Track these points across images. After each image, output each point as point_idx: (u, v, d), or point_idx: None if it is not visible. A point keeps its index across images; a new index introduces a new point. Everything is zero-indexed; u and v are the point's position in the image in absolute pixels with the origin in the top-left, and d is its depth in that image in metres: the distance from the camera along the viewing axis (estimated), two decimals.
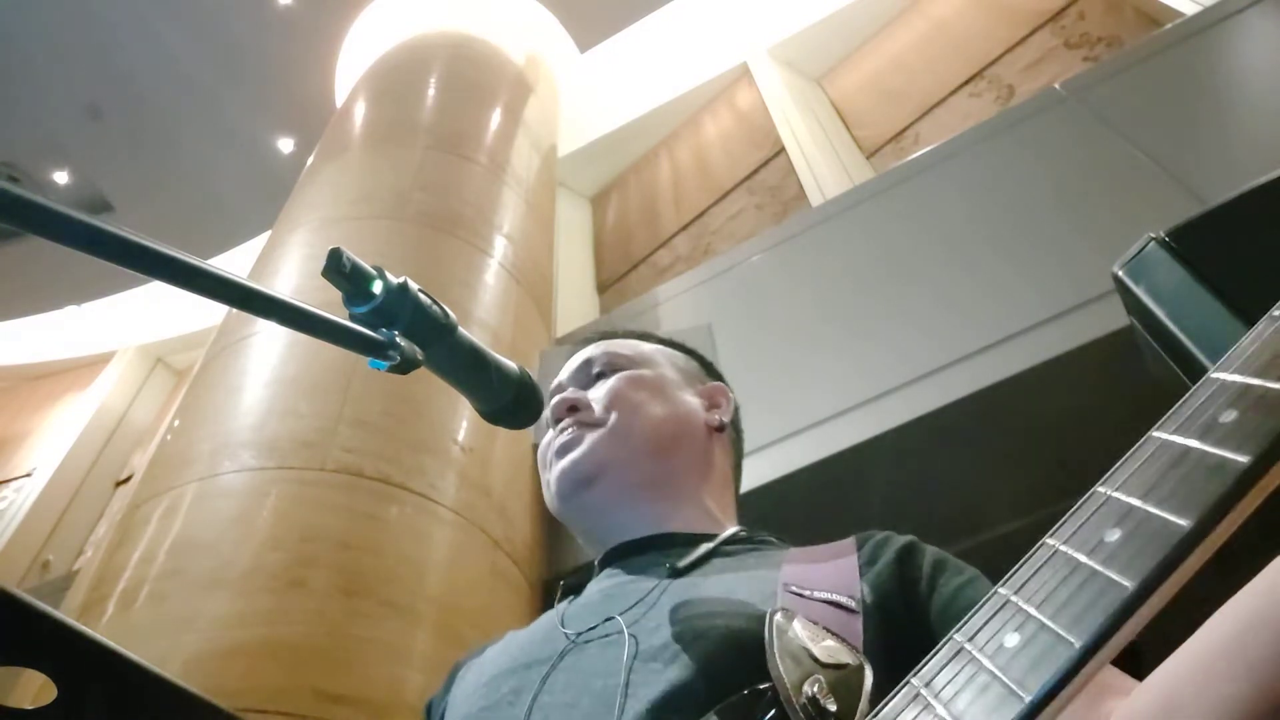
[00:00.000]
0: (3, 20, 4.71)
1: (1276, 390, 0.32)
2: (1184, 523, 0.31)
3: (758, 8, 4.82)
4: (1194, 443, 0.33)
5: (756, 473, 2.14)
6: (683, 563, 0.69)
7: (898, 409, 2.10)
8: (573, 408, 0.82)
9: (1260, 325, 0.36)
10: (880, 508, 2.12)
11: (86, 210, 0.43)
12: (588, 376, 0.87)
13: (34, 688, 1.48)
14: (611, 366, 0.87)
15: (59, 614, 0.52)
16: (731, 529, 0.78)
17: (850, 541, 0.69)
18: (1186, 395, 0.36)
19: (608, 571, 0.77)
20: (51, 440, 5.42)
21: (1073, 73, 3.03)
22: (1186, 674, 0.35)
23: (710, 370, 0.97)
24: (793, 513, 2.09)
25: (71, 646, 0.53)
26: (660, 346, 0.94)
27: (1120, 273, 0.80)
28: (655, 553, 0.75)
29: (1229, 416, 0.33)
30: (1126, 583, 0.31)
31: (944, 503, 2.11)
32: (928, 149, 2.95)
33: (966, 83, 3.78)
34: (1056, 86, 2.68)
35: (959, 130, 2.92)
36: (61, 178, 5.49)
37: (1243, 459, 0.31)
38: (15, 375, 6.22)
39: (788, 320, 2.56)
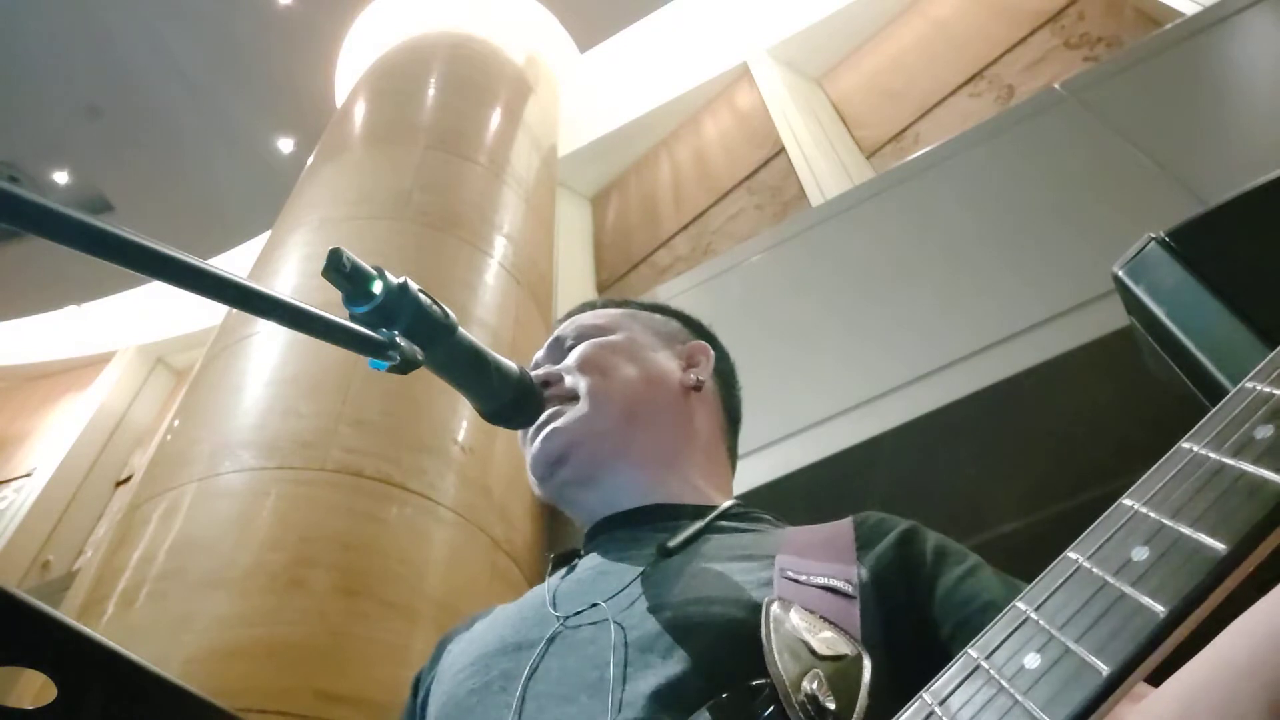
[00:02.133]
0: (3, 20, 4.71)
1: None
2: (1220, 546, 0.29)
3: (758, 8, 4.82)
4: (1229, 460, 0.32)
5: (756, 473, 2.14)
6: (673, 542, 0.67)
7: (898, 409, 2.10)
8: (545, 383, 0.80)
9: None
10: (880, 508, 2.11)
11: (86, 210, 0.43)
12: (560, 351, 0.86)
13: (34, 688, 1.48)
14: (581, 337, 0.85)
15: (59, 614, 0.52)
16: (725, 503, 0.76)
17: (848, 522, 0.67)
18: (1219, 405, 0.34)
19: (598, 546, 0.75)
20: (51, 440, 5.42)
21: (1073, 73, 3.03)
22: (1205, 690, 0.34)
23: (695, 329, 0.94)
24: (793, 513, 2.09)
25: (71, 646, 0.53)
26: (637, 311, 0.92)
27: (1120, 273, 0.80)
28: (645, 527, 0.73)
29: (1265, 433, 0.31)
30: (1158, 607, 0.29)
31: (944, 503, 2.11)
32: (928, 149, 2.95)
33: (966, 83, 3.78)
34: (1056, 86, 2.68)
35: (959, 130, 2.92)
36: (61, 178, 5.49)
37: None
38: (15, 375, 6.22)
39: (788, 320, 2.56)
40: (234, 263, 5.16)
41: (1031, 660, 0.31)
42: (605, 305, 0.92)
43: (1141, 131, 2.33)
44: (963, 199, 2.56)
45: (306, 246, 2.76)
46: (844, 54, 4.59)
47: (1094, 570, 0.32)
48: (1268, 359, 0.34)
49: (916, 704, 0.34)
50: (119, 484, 5.18)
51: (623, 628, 0.59)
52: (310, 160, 3.62)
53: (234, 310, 0.90)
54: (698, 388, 0.84)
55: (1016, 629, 0.33)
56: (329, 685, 1.62)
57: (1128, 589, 0.30)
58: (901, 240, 2.57)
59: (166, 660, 1.58)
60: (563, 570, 0.74)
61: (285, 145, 5.40)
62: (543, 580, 0.75)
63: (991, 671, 0.32)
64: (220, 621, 1.66)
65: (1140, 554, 0.31)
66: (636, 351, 0.84)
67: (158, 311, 5.88)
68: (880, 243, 2.62)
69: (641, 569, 0.66)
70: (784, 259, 2.81)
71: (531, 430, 0.80)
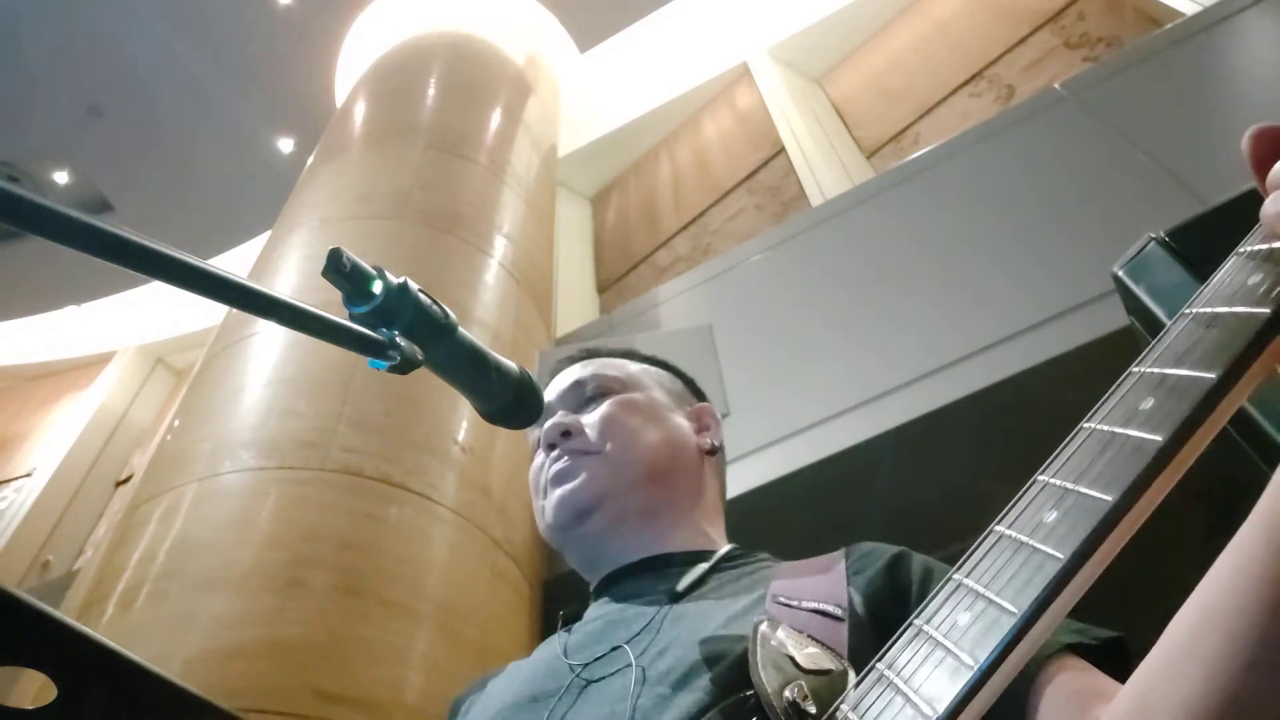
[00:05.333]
0: (3, 20, 4.71)
1: (1187, 377, 0.36)
2: (1109, 498, 0.34)
3: (758, 8, 4.82)
4: (1118, 429, 0.37)
5: (756, 473, 2.14)
6: (681, 586, 0.70)
7: (898, 409, 2.10)
8: (566, 433, 0.81)
9: (1174, 321, 0.40)
10: (880, 508, 2.12)
11: (86, 210, 0.43)
12: (579, 399, 0.87)
13: (34, 688, 1.48)
14: (602, 389, 0.86)
15: (59, 614, 0.52)
16: (725, 548, 0.79)
17: (839, 553, 0.70)
18: (1110, 391, 0.39)
19: (606, 598, 0.76)
20: (51, 440, 5.42)
21: (1073, 73, 3.03)
22: (1154, 674, 0.36)
23: (696, 391, 0.97)
24: (793, 513, 2.09)
25: (72, 646, 0.53)
26: (647, 366, 0.94)
27: (1120, 273, 0.80)
28: (653, 576, 0.75)
29: (1147, 404, 0.37)
30: (1059, 555, 0.34)
31: (944, 503, 2.11)
32: (928, 149, 2.96)
33: (966, 83, 3.78)
34: (1056, 86, 2.68)
35: (959, 130, 2.92)
36: (61, 178, 5.49)
37: (1158, 438, 0.35)
38: (15, 375, 6.23)
39: (788, 320, 2.56)
40: (234, 263, 5.16)
41: (963, 617, 0.36)
42: (610, 354, 0.94)
43: (1141, 131, 2.33)
44: (963, 199, 2.57)
45: (306, 246, 2.76)
46: (844, 54, 4.59)
47: (1014, 535, 0.37)
48: (1149, 346, 0.40)
49: (870, 673, 0.39)
50: (119, 484, 5.18)
51: (643, 669, 0.60)
52: (310, 160, 3.62)
53: (234, 310, 0.90)
54: (713, 452, 0.87)
55: (951, 594, 0.38)
56: (329, 685, 1.62)
57: (1038, 544, 0.35)
58: (901, 240, 2.57)
59: (166, 660, 1.58)
60: (572, 624, 0.75)
61: (285, 145, 5.40)
62: (552, 602, 0.77)
63: (929, 631, 0.37)
64: (220, 621, 1.66)
65: (1050, 516, 0.36)
66: (657, 412, 0.86)
67: (158, 311, 5.88)
68: (880, 243, 2.62)
69: (654, 612, 0.67)
70: (784, 259, 2.81)
71: (549, 477, 0.81)
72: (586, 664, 0.65)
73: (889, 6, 4.47)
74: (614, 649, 0.65)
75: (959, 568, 0.38)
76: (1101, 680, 0.49)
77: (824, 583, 0.64)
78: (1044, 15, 3.69)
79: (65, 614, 0.55)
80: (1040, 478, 0.39)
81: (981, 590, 0.36)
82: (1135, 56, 2.63)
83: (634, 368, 0.92)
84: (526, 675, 0.70)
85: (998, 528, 0.38)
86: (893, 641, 0.39)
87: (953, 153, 2.74)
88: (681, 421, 0.88)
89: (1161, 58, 2.55)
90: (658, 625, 0.65)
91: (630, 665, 0.61)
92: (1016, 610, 0.34)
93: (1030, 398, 2.00)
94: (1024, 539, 0.36)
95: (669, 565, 0.76)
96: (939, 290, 2.31)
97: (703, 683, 0.56)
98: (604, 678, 0.62)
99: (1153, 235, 0.78)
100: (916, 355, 2.16)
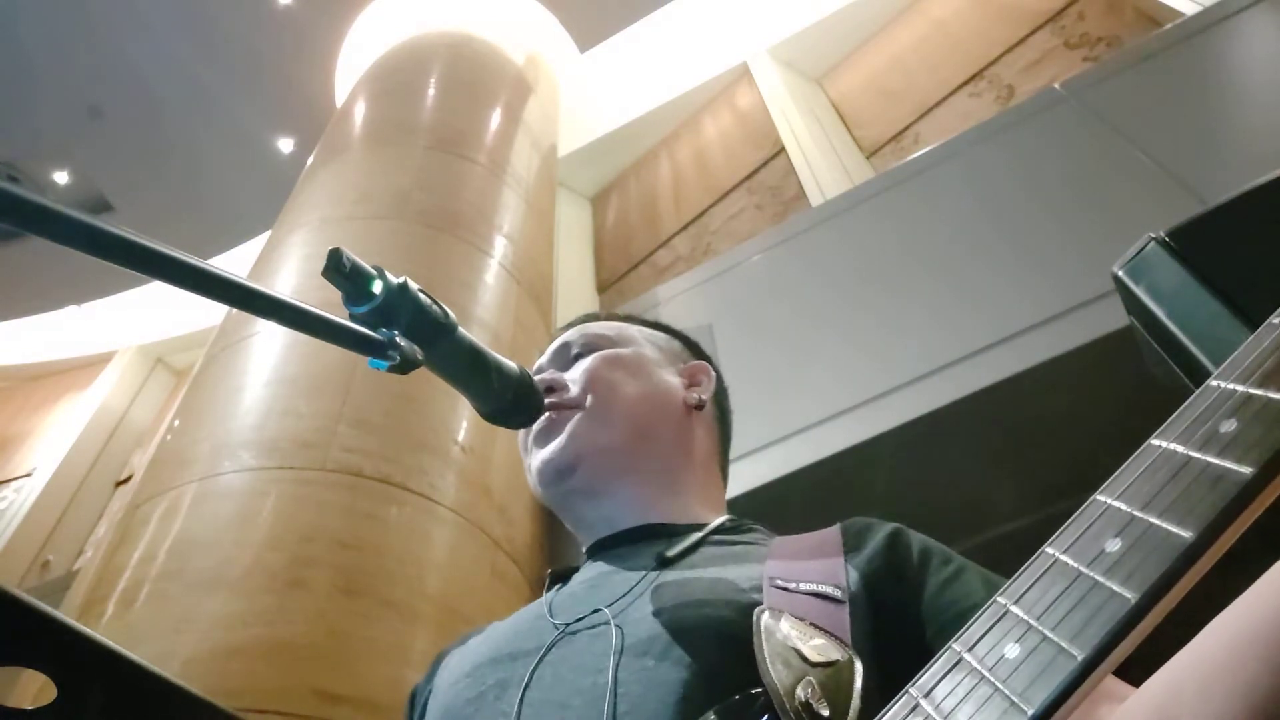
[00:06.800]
0: (3, 20, 4.70)
1: (1278, 401, 0.32)
2: (1187, 534, 0.30)
3: (758, 8, 4.82)
4: (1195, 453, 0.33)
5: (756, 473, 2.14)
6: (671, 552, 0.68)
7: (897, 409, 2.09)
8: (549, 389, 0.80)
9: (1260, 333, 0.35)
10: (880, 508, 2.11)
11: (86, 210, 0.43)
12: (566, 358, 0.86)
13: (34, 688, 1.48)
14: (589, 347, 0.85)
15: (59, 614, 0.52)
16: (719, 519, 0.77)
17: (835, 529, 0.68)
18: (1186, 403, 0.35)
19: (595, 562, 0.76)
20: (51, 440, 5.42)
21: (1073, 73, 3.03)
22: (1182, 690, 0.35)
23: (695, 350, 0.95)
24: (792, 513, 2.09)
25: (71, 646, 0.53)
26: (642, 327, 0.93)
27: (1120, 273, 0.80)
28: (643, 543, 0.74)
29: (1229, 427, 0.33)
30: (1129, 594, 0.30)
31: (944, 503, 2.11)
32: (928, 149, 2.96)
33: (966, 83, 3.78)
34: (1056, 86, 2.68)
35: (959, 130, 2.92)
36: (61, 178, 5.49)
37: (1245, 471, 0.31)
38: (15, 375, 6.22)
39: (788, 320, 2.56)
40: (234, 263, 5.16)
41: (1011, 650, 0.32)
42: (609, 318, 0.93)
43: (1141, 131, 2.33)
44: (962, 199, 2.57)
45: (306, 246, 2.76)
46: (844, 54, 4.59)
47: (1070, 563, 0.33)
48: (1231, 358, 0.35)
49: (903, 699, 0.35)
50: (119, 484, 5.18)
51: (621, 632, 0.59)
52: (310, 160, 3.62)
53: (234, 310, 0.90)
54: (700, 406, 0.85)
55: (997, 622, 0.34)
56: (329, 685, 1.62)
57: (1101, 578, 0.32)
58: (901, 240, 2.57)
59: (166, 660, 1.58)
60: (559, 585, 0.75)
61: (285, 145, 5.40)
62: (541, 591, 0.76)
63: (973, 663, 0.33)
64: (220, 621, 1.66)
65: (1113, 545, 0.32)
66: (643, 367, 0.85)
67: (158, 311, 5.88)
68: (880, 243, 2.62)
69: (640, 576, 0.66)
70: (784, 259, 2.81)
71: (533, 435, 0.80)
72: (569, 624, 0.64)
73: (889, 6, 4.47)
74: (595, 611, 0.64)
75: (1004, 591, 0.35)
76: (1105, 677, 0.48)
77: (821, 561, 0.62)
78: (1044, 15, 3.69)
79: (65, 614, 0.55)
80: (1099, 498, 0.35)
81: (1033, 623, 0.32)
82: (1135, 56, 2.63)
83: (627, 327, 0.91)
84: (507, 634, 0.70)
85: (1050, 550, 0.34)
86: (928, 666, 0.35)
87: (952, 153, 2.74)
88: (670, 378, 0.86)
89: (1161, 58, 2.55)
90: (642, 589, 0.64)
91: (609, 625, 0.60)
92: (1078, 653, 0.30)
93: (1030, 398, 2.00)
94: (1083, 569, 0.32)
95: (660, 534, 0.75)
96: (939, 290, 2.31)
97: (688, 656, 0.55)
98: (584, 640, 0.61)
99: (1153, 235, 0.78)
100: (917, 355, 2.16)
